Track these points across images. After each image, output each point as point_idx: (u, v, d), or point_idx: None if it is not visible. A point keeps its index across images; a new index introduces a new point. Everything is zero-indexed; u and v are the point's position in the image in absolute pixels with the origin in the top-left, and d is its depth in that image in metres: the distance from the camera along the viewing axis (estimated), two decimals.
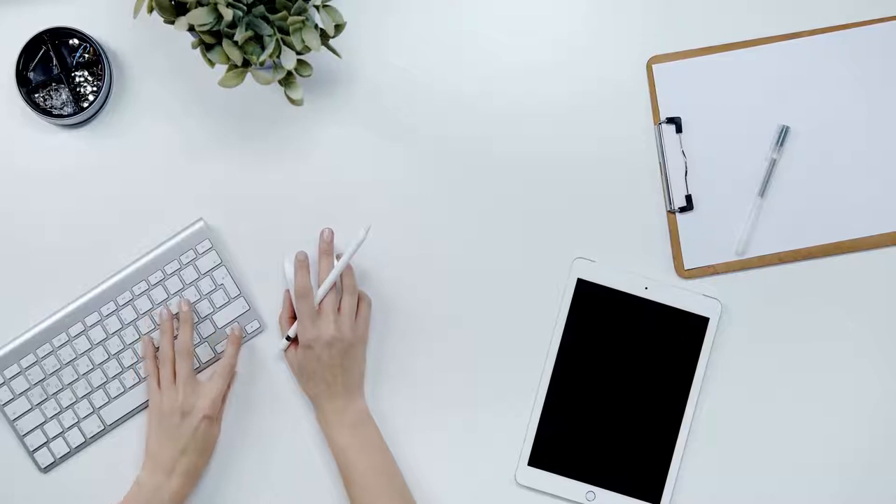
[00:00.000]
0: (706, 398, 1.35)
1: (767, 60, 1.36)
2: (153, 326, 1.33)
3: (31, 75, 1.33)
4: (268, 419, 1.35)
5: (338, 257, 1.32)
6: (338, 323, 1.29)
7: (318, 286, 1.30)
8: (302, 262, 1.30)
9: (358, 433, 1.30)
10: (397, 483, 1.30)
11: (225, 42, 1.21)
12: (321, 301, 1.29)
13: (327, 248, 1.31)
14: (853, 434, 1.35)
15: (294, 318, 1.33)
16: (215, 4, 1.19)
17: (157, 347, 1.33)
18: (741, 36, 1.36)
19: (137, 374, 1.34)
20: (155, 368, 1.32)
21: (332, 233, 1.31)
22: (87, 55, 1.34)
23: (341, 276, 1.31)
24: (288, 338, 1.32)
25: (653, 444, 1.34)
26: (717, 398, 1.35)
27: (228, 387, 1.33)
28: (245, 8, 1.20)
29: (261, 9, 1.21)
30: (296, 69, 1.23)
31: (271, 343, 1.35)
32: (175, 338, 1.32)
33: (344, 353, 1.30)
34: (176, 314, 1.33)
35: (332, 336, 1.29)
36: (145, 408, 1.34)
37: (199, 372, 1.34)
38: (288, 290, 1.33)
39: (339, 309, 1.30)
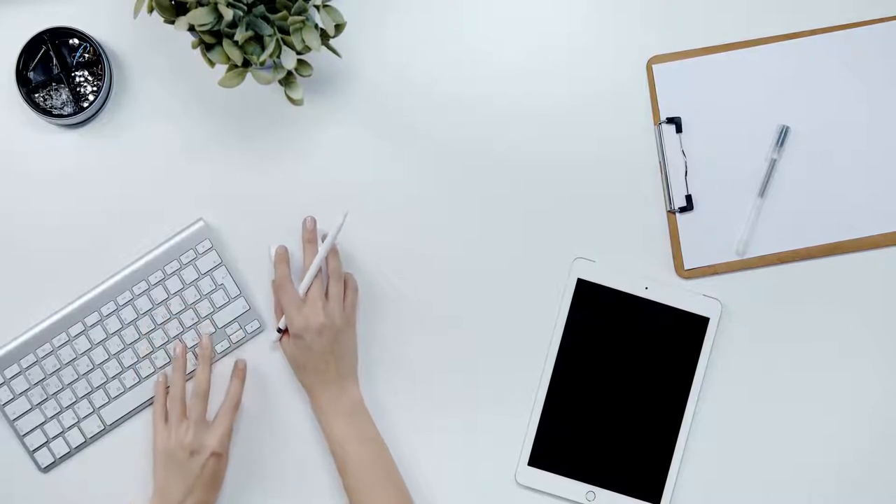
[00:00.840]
0: (706, 398, 1.35)
1: (767, 60, 1.36)
2: (153, 326, 1.33)
3: (31, 75, 1.33)
4: (268, 418, 1.34)
5: None
6: (326, 309, 1.29)
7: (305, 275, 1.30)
8: (280, 256, 1.30)
9: (353, 422, 1.30)
10: (392, 473, 1.29)
11: (225, 42, 1.21)
12: (307, 289, 1.29)
13: (310, 237, 1.31)
14: (853, 434, 1.35)
15: None
16: (215, 4, 1.19)
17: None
18: (741, 36, 1.36)
19: (137, 373, 1.34)
20: (163, 407, 1.31)
21: (315, 221, 1.31)
22: (87, 55, 1.34)
23: (326, 262, 1.30)
24: (279, 329, 1.32)
25: (653, 444, 1.34)
26: (717, 398, 1.35)
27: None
28: (245, 8, 1.20)
29: (261, 9, 1.21)
30: (296, 69, 1.23)
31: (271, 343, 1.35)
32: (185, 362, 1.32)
33: (335, 340, 1.29)
34: (194, 346, 1.33)
35: (321, 323, 1.28)
36: (145, 408, 1.34)
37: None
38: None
39: (326, 295, 1.30)
